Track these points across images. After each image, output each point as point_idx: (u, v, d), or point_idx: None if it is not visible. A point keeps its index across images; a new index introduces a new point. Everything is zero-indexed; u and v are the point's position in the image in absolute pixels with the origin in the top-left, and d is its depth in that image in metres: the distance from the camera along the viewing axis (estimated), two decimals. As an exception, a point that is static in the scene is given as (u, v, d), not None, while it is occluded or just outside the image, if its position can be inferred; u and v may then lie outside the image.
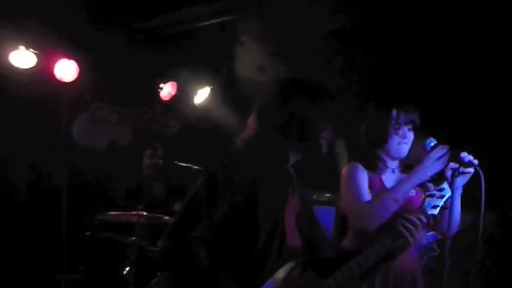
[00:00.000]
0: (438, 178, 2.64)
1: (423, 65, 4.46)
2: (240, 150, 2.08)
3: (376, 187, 2.79)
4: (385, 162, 2.86)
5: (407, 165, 2.90)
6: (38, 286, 4.73)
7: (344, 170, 2.83)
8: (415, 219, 2.27)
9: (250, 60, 5.28)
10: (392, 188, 2.73)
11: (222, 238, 1.93)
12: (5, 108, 4.54)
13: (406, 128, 2.83)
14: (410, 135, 2.84)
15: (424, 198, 2.48)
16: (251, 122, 2.15)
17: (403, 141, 2.82)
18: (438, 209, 2.46)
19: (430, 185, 2.75)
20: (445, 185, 2.50)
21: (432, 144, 2.71)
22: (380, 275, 2.61)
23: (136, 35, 5.05)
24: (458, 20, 4.14)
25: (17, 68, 4.50)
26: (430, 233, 3.97)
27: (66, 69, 4.74)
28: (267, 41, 4.95)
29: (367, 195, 2.72)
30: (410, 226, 2.23)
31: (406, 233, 2.23)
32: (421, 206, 2.46)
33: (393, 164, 2.88)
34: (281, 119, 2.06)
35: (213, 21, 4.55)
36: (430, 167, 2.61)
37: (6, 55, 4.46)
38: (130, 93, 5.14)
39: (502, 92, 4.25)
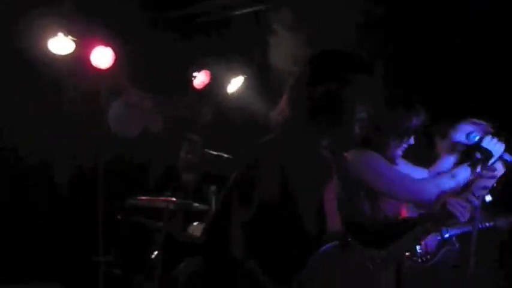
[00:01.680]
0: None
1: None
2: (271, 140, 1.97)
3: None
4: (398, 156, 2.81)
5: None
6: (78, 267, 4.86)
7: (364, 155, 2.68)
8: (464, 200, 2.24)
9: (283, 50, 5.27)
10: (454, 171, 2.61)
11: (259, 233, 1.86)
12: (43, 94, 4.66)
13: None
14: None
15: (474, 179, 2.42)
16: (283, 102, 2.02)
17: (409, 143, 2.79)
18: (488, 190, 2.39)
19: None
20: (498, 165, 2.40)
21: (477, 136, 2.61)
22: None
23: (171, 23, 5.08)
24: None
25: (55, 55, 4.60)
26: (450, 230, 3.94)
27: (102, 57, 4.82)
28: (300, 31, 4.93)
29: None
30: (460, 207, 2.21)
31: (458, 213, 2.21)
32: (470, 187, 2.40)
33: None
34: (314, 99, 1.92)
35: (246, 10, 4.53)
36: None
37: (45, 41, 4.56)
38: (164, 81, 5.20)
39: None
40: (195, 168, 4.58)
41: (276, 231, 1.86)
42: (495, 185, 2.46)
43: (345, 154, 2.69)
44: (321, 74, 1.94)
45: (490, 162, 2.46)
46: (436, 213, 2.21)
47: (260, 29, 5.07)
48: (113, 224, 4.73)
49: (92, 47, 4.78)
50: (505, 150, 2.49)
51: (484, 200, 2.54)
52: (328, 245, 1.92)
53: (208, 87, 5.49)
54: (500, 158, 2.47)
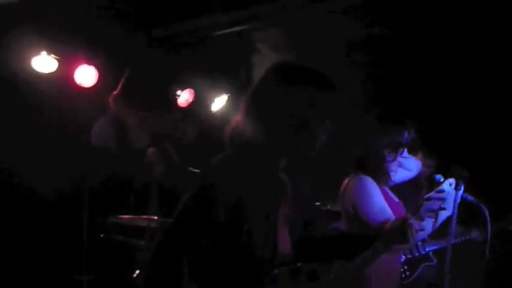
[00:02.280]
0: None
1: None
2: (227, 159, 1.83)
3: (388, 200, 2.81)
4: (390, 176, 2.86)
5: None
6: (60, 286, 4.81)
7: (357, 182, 2.81)
8: (416, 223, 2.19)
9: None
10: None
11: (211, 263, 1.79)
12: (26, 112, 4.65)
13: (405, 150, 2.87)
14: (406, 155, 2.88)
15: (421, 203, 2.44)
16: (240, 117, 1.86)
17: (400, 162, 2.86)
18: (434, 213, 2.41)
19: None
20: (446, 186, 2.42)
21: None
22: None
23: (155, 41, 5.11)
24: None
25: (38, 73, 4.60)
26: (428, 245, 3.99)
27: (86, 75, 4.83)
28: (286, 50, 4.98)
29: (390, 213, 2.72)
30: (413, 230, 2.16)
31: (410, 236, 2.15)
32: (417, 212, 2.41)
33: None
34: (276, 117, 1.77)
35: (231, 29, 4.57)
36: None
37: (29, 60, 4.56)
38: (148, 99, 5.21)
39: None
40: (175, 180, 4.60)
41: (228, 254, 1.77)
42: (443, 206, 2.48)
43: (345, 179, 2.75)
44: (284, 91, 1.80)
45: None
46: (389, 231, 2.13)
47: (244, 48, 5.12)
48: (96, 243, 4.71)
49: (76, 66, 4.78)
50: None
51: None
52: (277, 270, 1.83)
53: (192, 106, 5.50)
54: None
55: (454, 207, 2.44)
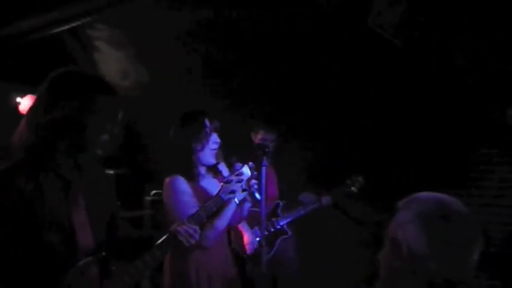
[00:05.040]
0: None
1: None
2: (11, 166, 1.90)
3: (201, 195, 2.91)
4: (200, 170, 2.98)
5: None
6: None
7: (168, 182, 2.92)
8: (191, 225, 2.35)
9: (110, 66, 5.20)
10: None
11: (12, 262, 1.86)
12: None
13: (214, 135, 2.97)
14: (218, 140, 2.99)
15: (222, 185, 2.58)
16: (22, 126, 1.94)
17: (214, 148, 2.96)
18: (236, 193, 2.57)
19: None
20: (244, 169, 2.58)
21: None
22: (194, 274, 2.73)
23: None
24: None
25: None
26: (281, 219, 4.21)
27: None
28: (124, 46, 4.90)
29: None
30: (187, 234, 2.32)
31: (185, 240, 2.32)
32: (217, 194, 2.55)
33: (203, 170, 3.02)
34: (53, 123, 1.88)
35: (60, 28, 4.39)
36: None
37: None
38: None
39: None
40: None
41: (27, 253, 1.87)
42: (245, 187, 2.66)
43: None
44: (60, 97, 1.90)
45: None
46: (164, 241, 2.29)
47: (81, 47, 4.97)
48: None
49: None
50: None
51: (255, 198, 2.73)
52: (82, 261, 1.97)
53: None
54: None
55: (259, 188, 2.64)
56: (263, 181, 2.73)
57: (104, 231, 2.09)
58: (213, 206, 2.57)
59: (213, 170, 3.02)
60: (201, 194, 2.91)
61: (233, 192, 2.60)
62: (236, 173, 2.62)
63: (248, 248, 3.56)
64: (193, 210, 2.62)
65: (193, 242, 2.33)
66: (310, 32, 4.37)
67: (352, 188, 4.36)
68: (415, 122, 4.48)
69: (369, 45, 4.21)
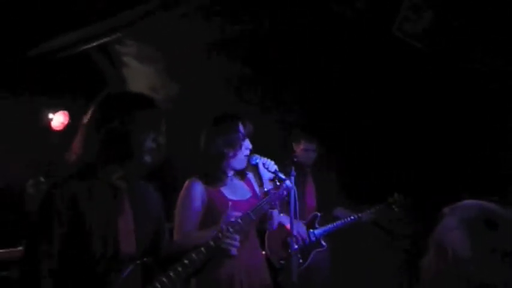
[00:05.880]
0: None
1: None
2: (67, 178, 2.11)
3: (219, 201, 2.88)
4: (227, 174, 2.95)
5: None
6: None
7: (185, 184, 2.93)
8: (227, 233, 2.36)
9: (139, 81, 5.28)
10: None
11: (63, 267, 2.03)
12: None
13: (247, 141, 2.95)
14: (250, 146, 2.96)
15: (264, 196, 2.61)
16: (76, 143, 2.19)
17: (246, 154, 2.94)
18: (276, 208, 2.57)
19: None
20: (287, 182, 2.60)
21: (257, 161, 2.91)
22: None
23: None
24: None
25: None
26: (318, 230, 4.17)
27: None
28: (152, 61, 4.97)
29: (192, 224, 2.83)
30: (228, 240, 2.35)
31: (229, 247, 2.34)
32: (258, 204, 2.57)
33: (231, 173, 2.99)
34: (102, 136, 2.11)
35: (91, 44, 4.49)
36: None
37: None
38: (20, 125, 4.98)
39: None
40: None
41: (73, 255, 2.04)
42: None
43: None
44: (107, 114, 2.15)
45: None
46: (206, 248, 2.32)
47: (114, 64, 5.07)
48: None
49: None
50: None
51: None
52: (128, 269, 2.09)
53: (68, 128, 5.33)
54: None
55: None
56: (293, 193, 2.72)
57: (149, 239, 2.24)
58: (252, 215, 2.54)
59: (241, 173, 3.01)
60: (219, 199, 2.87)
61: (273, 207, 2.60)
62: (279, 186, 2.62)
63: (297, 239, 3.50)
64: (195, 218, 2.70)
65: (235, 252, 2.34)
66: (312, 32, 4.34)
67: (394, 207, 4.30)
68: (415, 122, 4.42)
69: (371, 46, 4.19)
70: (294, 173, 2.80)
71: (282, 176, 2.79)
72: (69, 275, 2.03)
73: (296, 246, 3.84)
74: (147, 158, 2.15)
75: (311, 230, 4.17)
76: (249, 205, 2.79)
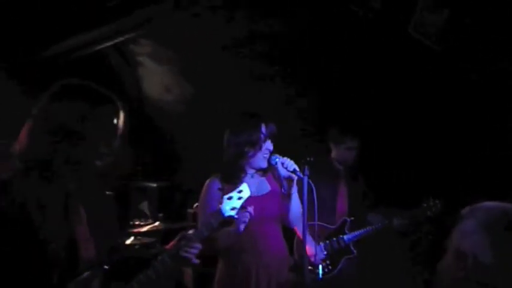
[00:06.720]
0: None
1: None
2: (14, 176, 1.89)
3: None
4: (246, 172, 2.95)
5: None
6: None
7: (206, 183, 2.95)
8: (187, 243, 2.30)
9: (154, 80, 5.28)
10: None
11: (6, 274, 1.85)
12: None
13: (269, 141, 2.92)
14: (271, 148, 2.93)
15: (223, 200, 2.54)
16: (23, 134, 1.92)
17: (266, 154, 2.91)
18: (236, 210, 2.49)
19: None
20: (244, 187, 2.52)
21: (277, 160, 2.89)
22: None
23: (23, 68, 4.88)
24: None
25: None
26: (347, 235, 4.00)
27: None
28: (168, 60, 4.96)
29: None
30: (188, 249, 2.29)
31: (189, 255, 2.28)
32: (218, 209, 2.49)
33: (252, 171, 2.98)
34: (52, 134, 1.87)
35: (106, 44, 4.48)
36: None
37: None
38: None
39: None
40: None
41: (26, 262, 1.87)
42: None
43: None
44: (57, 108, 1.89)
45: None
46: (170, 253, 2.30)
47: (129, 63, 5.06)
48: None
49: None
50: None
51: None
52: (85, 274, 1.96)
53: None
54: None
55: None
56: (305, 191, 2.68)
57: (105, 246, 2.07)
58: (213, 222, 2.47)
59: (263, 169, 2.98)
60: None
61: (234, 209, 2.53)
62: (237, 190, 2.55)
63: (315, 259, 3.51)
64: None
65: (195, 261, 2.29)
66: (326, 32, 4.29)
67: (429, 213, 4.06)
68: (416, 122, 4.35)
69: (373, 46, 4.14)
70: (306, 172, 2.76)
71: (301, 174, 2.75)
72: (21, 283, 1.85)
73: (325, 252, 3.74)
74: (98, 162, 1.93)
75: (340, 236, 4.03)
76: (261, 201, 2.84)
